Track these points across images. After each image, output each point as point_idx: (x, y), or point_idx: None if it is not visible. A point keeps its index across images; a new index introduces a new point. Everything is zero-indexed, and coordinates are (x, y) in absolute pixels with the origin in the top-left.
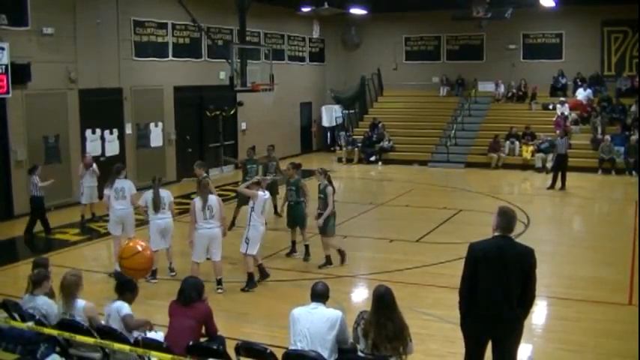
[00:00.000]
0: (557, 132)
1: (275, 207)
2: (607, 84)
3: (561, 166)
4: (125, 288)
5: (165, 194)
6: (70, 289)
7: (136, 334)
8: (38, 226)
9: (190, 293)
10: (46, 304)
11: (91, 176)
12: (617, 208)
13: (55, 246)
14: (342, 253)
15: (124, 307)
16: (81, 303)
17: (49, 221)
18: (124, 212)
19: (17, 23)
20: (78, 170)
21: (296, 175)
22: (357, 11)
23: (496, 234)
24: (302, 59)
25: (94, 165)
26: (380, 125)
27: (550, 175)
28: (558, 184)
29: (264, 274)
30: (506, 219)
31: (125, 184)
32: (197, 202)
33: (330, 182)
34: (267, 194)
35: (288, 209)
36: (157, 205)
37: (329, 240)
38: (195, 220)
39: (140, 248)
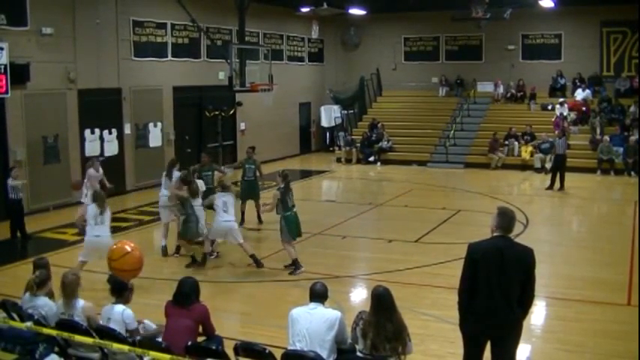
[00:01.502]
0: (556, 132)
1: (257, 213)
2: (606, 84)
3: (560, 167)
4: (122, 288)
5: (201, 183)
6: (71, 288)
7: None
8: (41, 227)
9: (190, 295)
10: (47, 306)
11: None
12: (616, 209)
13: (53, 246)
14: (257, 262)
15: (131, 319)
16: (80, 302)
17: (30, 225)
18: (163, 200)
19: (16, 23)
20: (85, 175)
21: (281, 185)
22: (356, 11)
23: (495, 234)
24: (301, 59)
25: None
26: (379, 125)
27: (549, 176)
28: (557, 184)
29: (198, 261)
30: (506, 219)
31: (175, 175)
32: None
33: (287, 186)
34: (224, 195)
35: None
36: (195, 192)
37: (285, 244)
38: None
39: (129, 249)
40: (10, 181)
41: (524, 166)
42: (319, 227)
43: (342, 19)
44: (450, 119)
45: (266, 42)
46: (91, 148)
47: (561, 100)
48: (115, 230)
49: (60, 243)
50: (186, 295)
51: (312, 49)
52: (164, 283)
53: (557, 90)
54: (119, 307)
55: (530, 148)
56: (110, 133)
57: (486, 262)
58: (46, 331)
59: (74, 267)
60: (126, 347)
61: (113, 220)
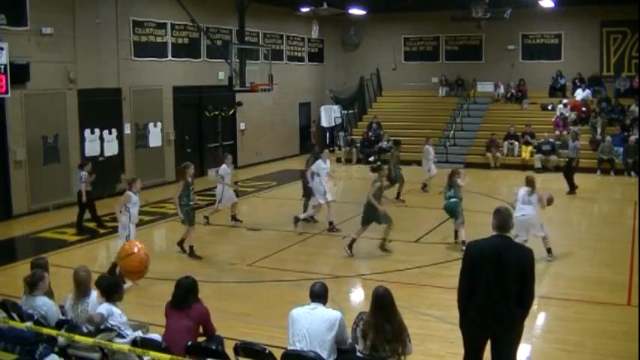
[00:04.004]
0: (557, 133)
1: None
2: (606, 84)
3: (573, 170)
4: (112, 291)
5: None
6: (84, 284)
7: (137, 333)
8: (41, 227)
9: (187, 297)
10: (46, 305)
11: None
12: (616, 209)
13: (53, 246)
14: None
15: (115, 312)
16: (93, 293)
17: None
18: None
19: (16, 23)
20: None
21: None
22: (356, 11)
23: (494, 233)
24: (301, 59)
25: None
26: (374, 125)
27: (549, 176)
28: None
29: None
30: (501, 217)
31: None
32: None
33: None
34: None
35: None
36: None
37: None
38: None
39: (135, 250)
40: (85, 177)
41: (525, 167)
42: (319, 227)
43: (342, 18)
44: (450, 119)
45: (266, 42)
46: (91, 148)
47: (565, 101)
48: (114, 230)
49: (60, 243)
50: (182, 297)
51: (312, 49)
52: (164, 283)
53: (557, 90)
54: (105, 306)
55: (530, 148)
56: (110, 133)
57: (484, 260)
58: (46, 331)
59: None
60: (126, 347)
61: (111, 220)
